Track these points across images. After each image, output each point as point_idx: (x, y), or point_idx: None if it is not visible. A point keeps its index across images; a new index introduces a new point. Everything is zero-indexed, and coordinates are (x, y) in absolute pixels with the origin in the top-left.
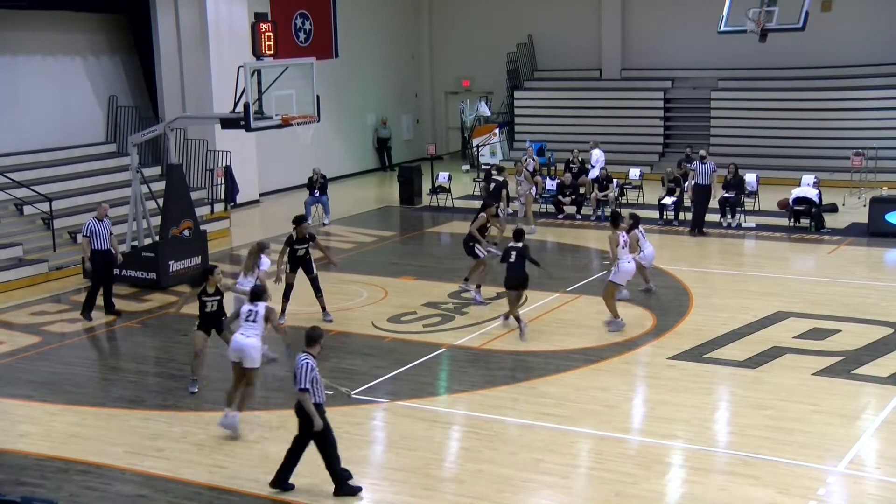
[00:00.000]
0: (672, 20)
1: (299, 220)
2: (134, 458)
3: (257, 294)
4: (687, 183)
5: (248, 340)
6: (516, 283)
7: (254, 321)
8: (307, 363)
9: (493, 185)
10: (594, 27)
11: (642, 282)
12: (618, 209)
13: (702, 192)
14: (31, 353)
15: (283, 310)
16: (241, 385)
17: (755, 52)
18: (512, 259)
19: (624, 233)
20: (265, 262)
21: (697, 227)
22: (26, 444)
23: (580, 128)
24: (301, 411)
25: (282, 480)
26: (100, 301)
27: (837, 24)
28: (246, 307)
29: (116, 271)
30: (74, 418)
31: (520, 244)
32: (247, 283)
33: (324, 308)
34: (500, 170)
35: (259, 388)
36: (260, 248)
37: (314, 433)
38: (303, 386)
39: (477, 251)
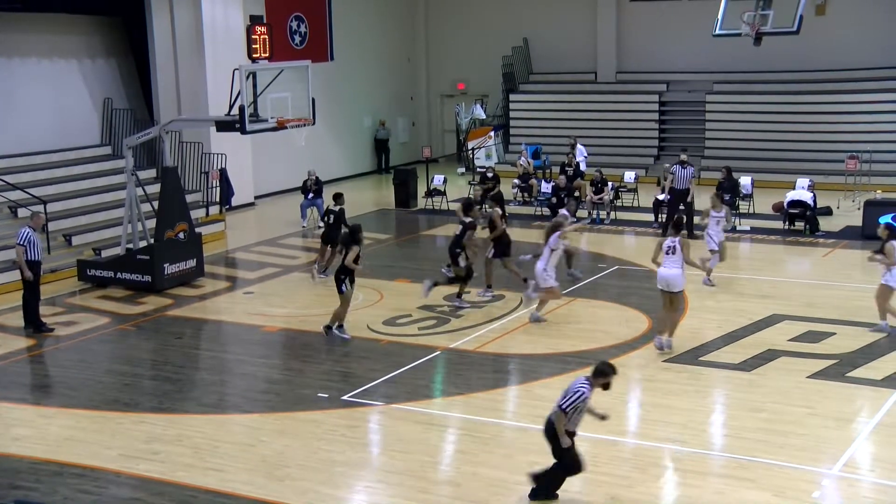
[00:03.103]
0: (667, 23)
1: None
2: (129, 462)
3: (678, 225)
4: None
5: (673, 271)
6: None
7: (673, 253)
8: (583, 392)
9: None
10: (590, 30)
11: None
12: None
13: (678, 197)
14: (26, 356)
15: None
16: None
17: (750, 55)
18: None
19: None
20: (553, 240)
21: (686, 229)
22: (20, 447)
23: (575, 131)
24: (551, 432)
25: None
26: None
27: (832, 27)
28: (668, 242)
29: (111, 274)
30: (69, 421)
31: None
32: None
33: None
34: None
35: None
36: (554, 227)
37: (557, 451)
38: (564, 406)
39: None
